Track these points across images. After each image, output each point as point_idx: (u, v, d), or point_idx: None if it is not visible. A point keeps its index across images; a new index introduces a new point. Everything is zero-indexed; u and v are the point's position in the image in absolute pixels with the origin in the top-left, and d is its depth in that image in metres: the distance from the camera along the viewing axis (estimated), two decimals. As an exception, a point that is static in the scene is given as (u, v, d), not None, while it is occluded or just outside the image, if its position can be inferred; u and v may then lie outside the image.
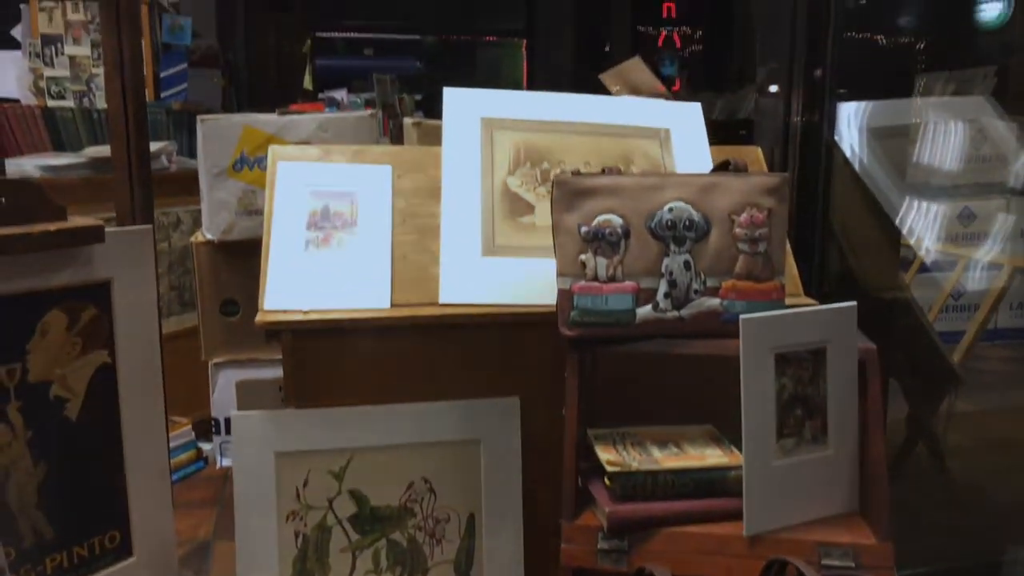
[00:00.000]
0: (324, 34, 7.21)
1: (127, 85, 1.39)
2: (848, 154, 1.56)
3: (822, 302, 1.23)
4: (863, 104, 1.62)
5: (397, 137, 4.44)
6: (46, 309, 1.22)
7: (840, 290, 1.52)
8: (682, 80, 10.16)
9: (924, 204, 1.76)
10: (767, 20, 1.56)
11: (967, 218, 2.08)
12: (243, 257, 1.45)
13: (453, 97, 1.45)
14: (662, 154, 1.43)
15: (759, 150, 1.44)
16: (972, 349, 2.00)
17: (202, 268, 1.52)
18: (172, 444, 2.04)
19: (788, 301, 1.21)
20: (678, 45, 10.43)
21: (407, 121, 1.66)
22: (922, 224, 1.77)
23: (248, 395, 1.51)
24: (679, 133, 1.46)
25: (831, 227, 1.49)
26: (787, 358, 0.99)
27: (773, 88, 1.59)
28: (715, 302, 1.06)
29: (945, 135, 1.84)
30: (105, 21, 1.40)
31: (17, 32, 3.66)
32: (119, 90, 1.41)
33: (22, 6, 3.53)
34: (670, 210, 1.07)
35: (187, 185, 2.33)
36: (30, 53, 3.60)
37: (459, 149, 1.39)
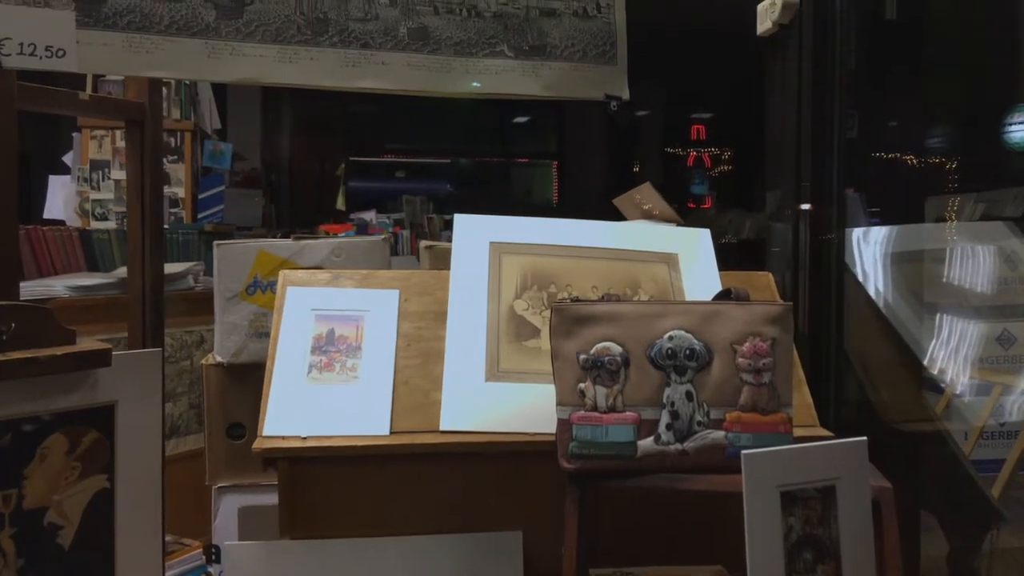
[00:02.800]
0: (359, 158, 7.53)
1: (146, 212, 1.44)
2: (862, 279, 1.54)
3: (840, 434, 1.18)
4: (879, 229, 1.61)
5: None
6: (48, 433, 1.22)
7: (860, 421, 1.46)
8: (712, 198, 10.34)
9: (954, 328, 1.71)
10: (775, 144, 1.58)
11: (1007, 341, 2.01)
12: (252, 380, 1.45)
13: (463, 223, 1.47)
14: (670, 279, 1.43)
15: (770, 276, 1.43)
16: (1013, 479, 1.89)
17: (211, 391, 1.52)
18: (180, 569, 1.98)
19: (802, 432, 1.17)
20: (708, 164, 10.68)
21: (421, 244, 1.68)
22: (950, 350, 1.72)
23: (250, 522, 1.47)
24: (688, 258, 1.46)
25: (847, 355, 1.45)
26: (794, 496, 0.94)
27: (784, 211, 1.59)
28: (719, 435, 1.02)
29: (972, 259, 1.81)
30: (129, 150, 1.47)
31: (68, 158, 3.88)
32: (138, 216, 1.46)
33: (75, 135, 3.76)
34: (670, 339, 1.04)
35: (212, 304, 2.38)
36: (79, 177, 3.80)
37: (467, 273, 1.40)
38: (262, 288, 1.53)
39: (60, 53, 0.97)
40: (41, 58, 0.95)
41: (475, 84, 1.21)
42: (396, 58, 1.17)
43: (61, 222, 3.69)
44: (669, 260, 1.46)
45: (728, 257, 1.52)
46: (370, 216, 3.91)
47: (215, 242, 1.51)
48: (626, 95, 1.30)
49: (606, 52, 1.29)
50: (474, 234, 1.46)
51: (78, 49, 0.99)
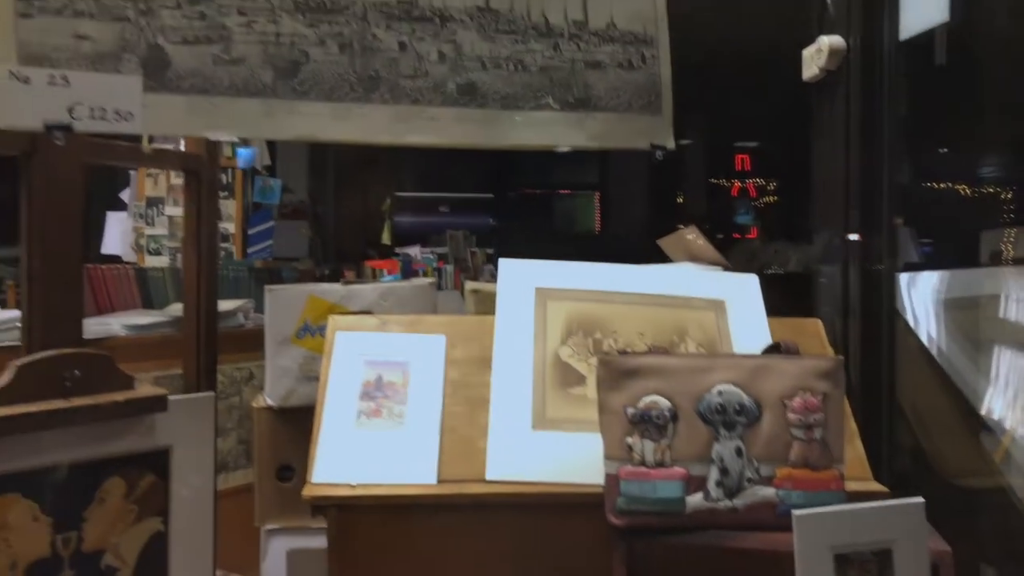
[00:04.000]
0: (404, 193, 7.64)
1: (202, 257, 1.48)
2: (914, 324, 1.51)
3: (894, 487, 1.15)
4: (931, 273, 1.58)
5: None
6: (107, 476, 1.25)
7: (915, 473, 1.43)
8: (758, 229, 10.23)
9: (1012, 374, 1.65)
10: (823, 189, 1.56)
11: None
12: (301, 423, 1.47)
13: (508, 268, 1.48)
14: (718, 326, 1.42)
15: (819, 323, 1.41)
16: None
17: (261, 433, 1.55)
18: (229, 606, 2.00)
19: (855, 486, 1.14)
20: (752, 194, 10.58)
21: (467, 287, 1.70)
22: (1009, 397, 1.66)
23: (299, 565, 1.48)
24: (735, 305, 1.45)
25: (899, 406, 1.42)
26: (848, 559, 0.92)
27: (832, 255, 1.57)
28: (770, 492, 1.01)
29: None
30: (187, 198, 1.52)
31: (125, 195, 4.01)
32: (195, 261, 1.50)
33: (132, 172, 3.89)
34: (719, 393, 1.04)
35: (261, 340, 2.43)
36: (135, 214, 3.93)
37: (512, 319, 1.41)
38: (312, 332, 1.56)
39: (128, 116, 1.01)
40: (110, 122, 1.00)
41: (522, 137, 1.24)
42: (445, 113, 1.20)
43: (117, 257, 3.81)
44: (716, 307, 1.45)
45: (773, 289, 1.50)
46: (415, 251, 3.96)
47: (267, 287, 1.55)
48: (671, 144, 1.30)
49: (651, 103, 1.30)
50: (519, 279, 1.47)
51: (143, 112, 1.03)
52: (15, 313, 1.59)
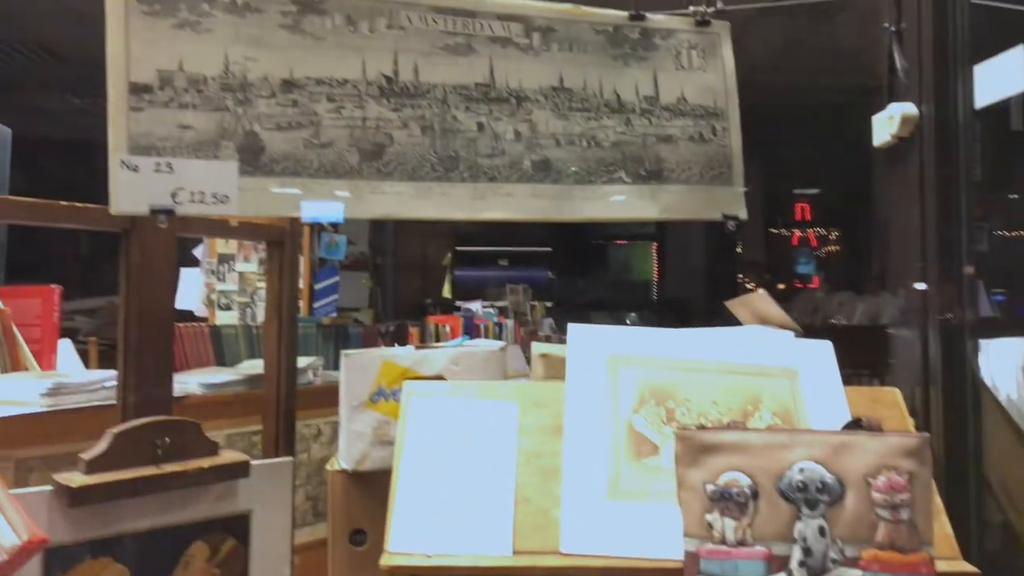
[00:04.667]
0: (464, 247, 7.77)
1: (283, 324, 1.53)
2: (1002, 398, 1.46)
3: (985, 567, 1.12)
4: (1012, 340, 1.53)
5: (529, 342, 4.62)
6: (191, 540, 1.29)
7: (1005, 551, 1.37)
8: (820, 279, 10.06)
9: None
10: (897, 253, 1.54)
11: None
12: (374, 487, 1.50)
13: (578, 334, 1.50)
14: (792, 396, 1.40)
15: (898, 392, 1.38)
16: None
17: (334, 497, 1.58)
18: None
19: (944, 567, 1.11)
20: (814, 244, 10.43)
21: (534, 352, 1.71)
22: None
23: (369, 630, 1.49)
24: (809, 374, 1.43)
25: (987, 481, 1.37)
26: (944, 650, 0.89)
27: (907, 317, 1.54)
28: (856, 574, 0.98)
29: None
30: (269, 267, 1.58)
31: (199, 252, 4.18)
32: (275, 328, 1.56)
33: (206, 232, 4.05)
34: (800, 471, 1.03)
35: (330, 397, 2.47)
36: (207, 270, 4.08)
37: (582, 386, 1.42)
38: (386, 396, 1.59)
39: (224, 199, 1.07)
40: (208, 204, 1.06)
41: (595, 210, 1.26)
42: (520, 189, 1.23)
43: (190, 312, 3.96)
44: (790, 375, 1.43)
45: (840, 342, 1.47)
46: (476, 307, 4.01)
47: (343, 352, 1.59)
48: (744, 215, 1.31)
49: (722, 174, 1.32)
50: (589, 345, 1.48)
51: (238, 194, 1.09)
52: (107, 373, 1.66)
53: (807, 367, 1.45)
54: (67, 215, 1.25)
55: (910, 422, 1.34)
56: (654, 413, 1.39)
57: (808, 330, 1.58)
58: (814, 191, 10.32)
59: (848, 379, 1.41)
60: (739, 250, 9.78)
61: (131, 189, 1.03)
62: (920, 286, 1.49)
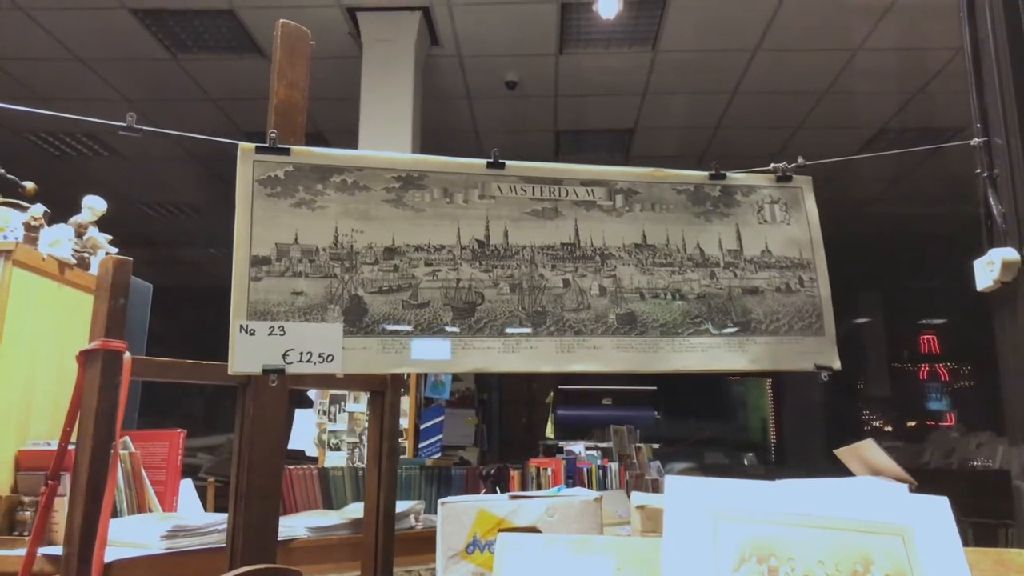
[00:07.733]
0: (566, 386, 7.76)
1: (382, 472, 1.58)
2: None
3: None
4: None
5: (634, 486, 4.48)
6: None
7: None
8: (954, 416, 9.37)
9: None
10: (1014, 405, 1.46)
11: None
12: (468, 641, 1.48)
13: (676, 486, 1.47)
14: (907, 557, 1.31)
15: (1027, 556, 1.27)
16: None
17: (429, 651, 1.56)
18: None
19: None
20: (945, 378, 9.79)
21: (632, 503, 1.69)
22: None
23: None
24: (924, 532, 1.34)
25: None
26: None
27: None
28: None
29: None
30: (372, 416, 1.65)
31: (313, 394, 4.38)
32: (376, 475, 1.60)
33: (321, 374, 4.25)
34: (911, 645, 0.95)
35: (430, 543, 2.48)
36: (319, 411, 4.25)
37: (680, 543, 1.38)
38: (480, 548, 1.59)
39: (329, 358, 1.16)
40: (315, 364, 1.14)
41: (682, 361, 1.27)
42: (606, 342, 1.27)
43: (302, 451, 4.10)
44: (904, 534, 1.35)
45: (980, 488, 1.37)
46: (578, 448, 3.97)
47: (440, 501, 1.62)
48: (837, 365, 1.29)
49: (812, 324, 1.31)
50: (687, 498, 1.45)
51: (343, 353, 1.17)
52: (220, 517, 1.75)
53: (922, 525, 1.36)
54: (192, 372, 1.38)
55: (1044, 590, 1.22)
56: (756, 571, 1.33)
57: (945, 474, 1.50)
58: (940, 321, 9.81)
59: (993, 530, 1.32)
60: (861, 385, 9.30)
61: (247, 351, 1.13)
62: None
